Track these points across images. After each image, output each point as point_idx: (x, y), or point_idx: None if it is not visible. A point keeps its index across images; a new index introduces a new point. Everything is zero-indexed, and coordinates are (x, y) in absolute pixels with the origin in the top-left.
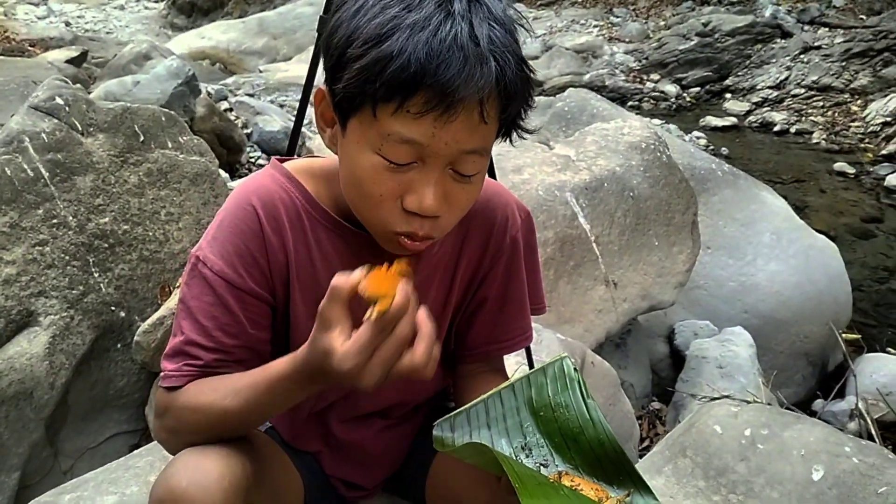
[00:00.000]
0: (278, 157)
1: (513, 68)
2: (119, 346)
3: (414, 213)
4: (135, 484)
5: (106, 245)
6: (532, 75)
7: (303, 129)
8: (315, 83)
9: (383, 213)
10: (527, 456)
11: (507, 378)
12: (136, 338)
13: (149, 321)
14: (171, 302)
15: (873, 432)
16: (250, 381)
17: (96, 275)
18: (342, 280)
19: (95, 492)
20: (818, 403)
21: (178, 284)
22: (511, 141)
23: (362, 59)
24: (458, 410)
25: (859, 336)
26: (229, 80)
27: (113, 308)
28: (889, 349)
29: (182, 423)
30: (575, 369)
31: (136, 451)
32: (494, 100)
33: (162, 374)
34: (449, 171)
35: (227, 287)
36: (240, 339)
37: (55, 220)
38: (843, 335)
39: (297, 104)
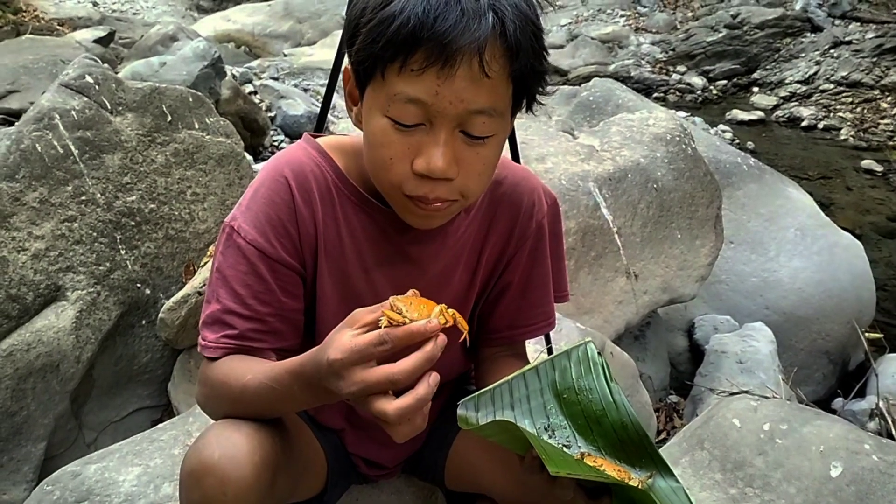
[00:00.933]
0: (310, 133)
1: (513, 21)
2: (144, 322)
3: (425, 175)
4: (159, 456)
5: (133, 223)
6: (542, 33)
7: (329, 115)
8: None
9: (395, 176)
10: (549, 437)
11: (528, 362)
12: (160, 315)
13: (173, 299)
14: (196, 281)
15: (893, 432)
16: (270, 367)
17: (123, 252)
18: (393, 297)
19: (120, 463)
20: (838, 402)
21: (203, 263)
22: (531, 108)
23: (370, 22)
24: (482, 390)
25: (882, 335)
26: (254, 64)
27: (139, 285)
28: None
29: (215, 393)
30: (599, 353)
31: (160, 425)
32: (497, 54)
33: (200, 341)
34: (459, 133)
35: (260, 256)
36: (273, 307)
37: (84, 197)
38: (866, 334)
39: (321, 88)
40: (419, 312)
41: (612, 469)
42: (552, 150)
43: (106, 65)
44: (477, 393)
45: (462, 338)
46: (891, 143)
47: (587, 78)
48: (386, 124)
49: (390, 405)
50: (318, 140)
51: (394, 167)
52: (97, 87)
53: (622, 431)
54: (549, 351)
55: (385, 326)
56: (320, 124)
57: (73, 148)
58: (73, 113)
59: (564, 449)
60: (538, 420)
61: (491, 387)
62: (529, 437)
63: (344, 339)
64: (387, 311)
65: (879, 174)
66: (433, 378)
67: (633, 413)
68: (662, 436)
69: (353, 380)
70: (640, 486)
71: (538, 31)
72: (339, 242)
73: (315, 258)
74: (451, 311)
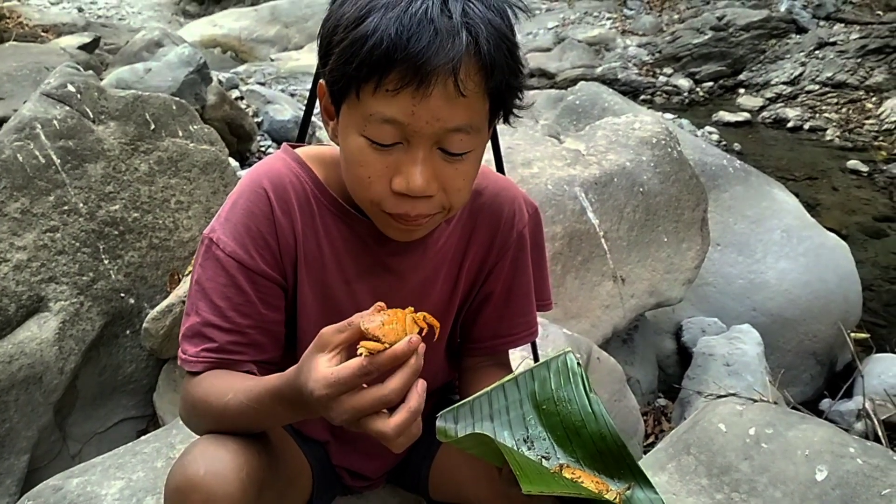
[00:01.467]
0: (289, 142)
1: (487, 39)
2: (128, 332)
3: (403, 194)
4: (141, 469)
5: (116, 232)
6: (517, 48)
7: (314, 118)
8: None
9: (374, 195)
10: (529, 448)
11: (511, 371)
12: (144, 325)
13: (158, 308)
14: (181, 290)
15: (880, 433)
16: (250, 387)
17: (106, 262)
18: (358, 315)
19: (103, 476)
20: (825, 403)
21: (187, 272)
22: (508, 121)
23: (343, 42)
24: (461, 402)
25: (868, 336)
26: (240, 69)
27: (122, 295)
28: None
29: (196, 411)
30: (578, 364)
31: (143, 438)
32: (473, 72)
33: (181, 354)
34: (437, 150)
35: (239, 268)
36: (253, 319)
37: (66, 207)
38: (853, 335)
39: (307, 93)
40: (394, 331)
41: (590, 481)
42: (538, 154)
43: (90, 72)
44: (456, 405)
45: (435, 336)
46: (876, 143)
47: (574, 81)
48: (363, 143)
49: (387, 425)
50: (297, 150)
51: (372, 186)
52: (79, 95)
53: (601, 442)
54: (536, 358)
55: (365, 355)
56: (302, 133)
57: (54, 157)
58: (55, 122)
59: (543, 460)
60: (517, 431)
61: (470, 398)
62: (504, 452)
63: (321, 369)
64: (364, 344)
65: (865, 174)
66: (421, 386)
67: (612, 424)
68: (651, 439)
69: (344, 408)
70: (617, 500)
71: (513, 46)
72: (319, 254)
73: (295, 269)
74: (420, 314)
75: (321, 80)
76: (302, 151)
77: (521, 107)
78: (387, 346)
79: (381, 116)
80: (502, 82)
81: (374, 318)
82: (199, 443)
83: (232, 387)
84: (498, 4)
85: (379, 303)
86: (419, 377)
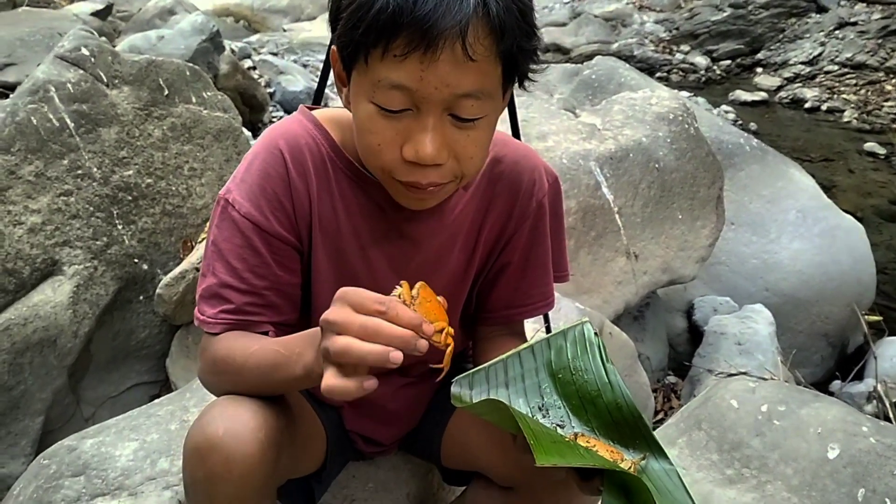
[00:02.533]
0: (306, 105)
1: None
2: (141, 298)
3: (414, 162)
4: (155, 431)
5: (129, 198)
6: (530, 10)
7: (327, 90)
8: None
9: (385, 162)
10: (543, 416)
11: (526, 341)
12: (157, 291)
13: (171, 275)
14: (193, 256)
15: (891, 415)
16: (273, 340)
17: (120, 227)
18: (421, 284)
19: (117, 437)
20: (836, 384)
21: (200, 239)
22: (523, 85)
23: (350, 7)
24: (476, 368)
25: (881, 318)
26: (253, 39)
27: (136, 260)
28: None
29: (217, 369)
30: (595, 334)
31: (157, 400)
32: (482, 34)
33: (198, 314)
34: (448, 116)
35: (255, 229)
36: (269, 281)
37: (80, 171)
38: (866, 317)
39: (320, 64)
40: (428, 313)
41: (604, 450)
42: (553, 128)
43: (103, 38)
44: (471, 371)
45: (439, 377)
46: (894, 125)
47: (590, 56)
48: (372, 110)
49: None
50: (314, 112)
51: (383, 154)
52: (93, 59)
53: (617, 412)
54: (548, 330)
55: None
56: (318, 98)
57: (68, 121)
58: (69, 85)
59: (558, 429)
60: (532, 399)
61: (486, 365)
62: (519, 420)
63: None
64: (405, 287)
65: (882, 157)
66: (395, 355)
67: (629, 394)
68: (660, 416)
69: (339, 311)
70: (632, 469)
71: (526, 7)
72: (334, 217)
73: (310, 232)
74: (451, 335)
75: (333, 47)
76: (319, 113)
77: (536, 70)
78: (414, 308)
79: (389, 82)
80: (514, 45)
81: (426, 291)
82: (218, 403)
83: (253, 344)
84: None
85: (422, 283)
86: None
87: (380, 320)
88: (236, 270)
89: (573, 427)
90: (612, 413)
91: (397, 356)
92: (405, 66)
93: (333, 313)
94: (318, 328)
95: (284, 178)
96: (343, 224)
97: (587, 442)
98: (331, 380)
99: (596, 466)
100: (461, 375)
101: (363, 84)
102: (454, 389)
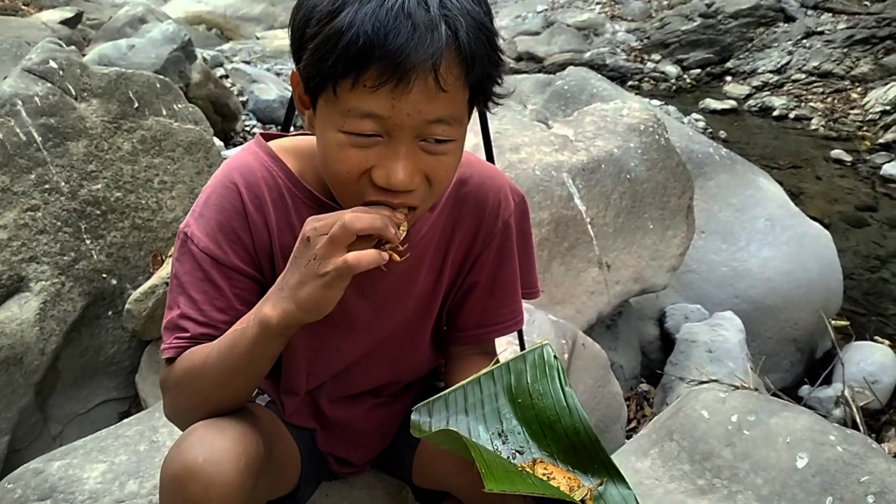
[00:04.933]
0: (263, 133)
1: (467, 31)
2: (110, 313)
3: (383, 187)
4: (124, 453)
5: (98, 212)
6: (496, 37)
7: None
8: None
9: (356, 190)
10: (503, 442)
11: (497, 360)
12: (127, 306)
13: (140, 290)
14: (163, 271)
15: (858, 420)
16: (228, 333)
17: (88, 241)
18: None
19: (85, 459)
20: (804, 389)
21: (170, 253)
22: (487, 107)
23: (317, 37)
24: (435, 396)
25: (848, 324)
26: (225, 47)
27: (104, 275)
28: (877, 338)
29: (178, 388)
30: (555, 357)
31: (125, 421)
32: (453, 65)
33: (162, 346)
34: (419, 143)
35: (213, 263)
36: (228, 315)
37: (47, 186)
38: (833, 323)
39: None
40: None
41: (562, 476)
42: (526, 139)
43: (72, 47)
44: (431, 399)
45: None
46: (860, 133)
47: (562, 66)
48: (342, 139)
49: (351, 256)
50: (271, 143)
51: (353, 182)
52: (61, 72)
53: (575, 437)
54: (522, 344)
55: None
56: (288, 119)
57: (36, 135)
58: (37, 99)
59: (518, 454)
60: (492, 425)
61: (444, 392)
62: (472, 449)
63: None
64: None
65: (848, 164)
66: (383, 253)
67: (587, 418)
68: (633, 424)
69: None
70: (588, 496)
71: (492, 35)
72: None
73: (272, 264)
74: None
75: (293, 70)
76: (275, 144)
77: (501, 94)
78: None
79: (360, 111)
80: (482, 73)
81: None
82: (197, 429)
83: (209, 346)
84: None
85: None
86: (401, 367)
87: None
88: (196, 302)
89: (532, 453)
90: (570, 437)
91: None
92: (376, 96)
93: (310, 225)
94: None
95: (241, 211)
96: None
97: (545, 468)
98: (352, 256)
99: (546, 496)
100: (420, 404)
101: (331, 114)
102: (414, 417)
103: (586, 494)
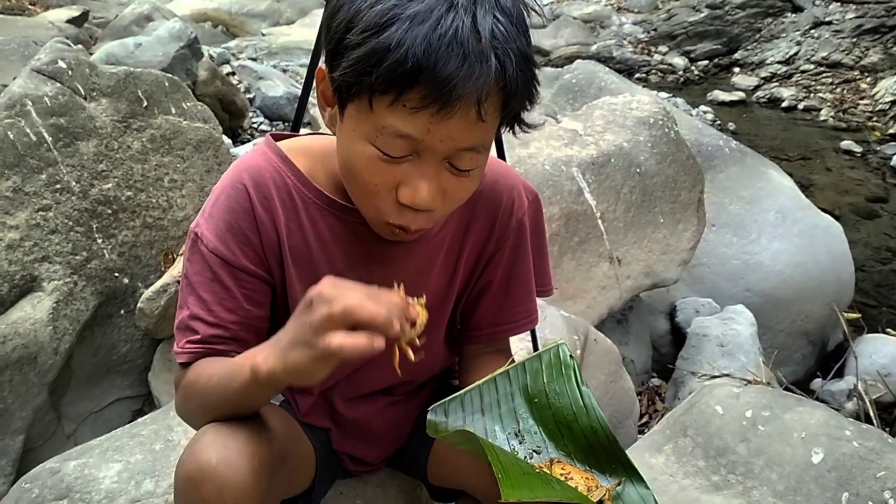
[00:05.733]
0: (273, 133)
1: (514, 65)
2: (122, 312)
3: (407, 205)
4: (139, 452)
5: (109, 211)
6: (537, 71)
7: (311, 98)
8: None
9: (377, 202)
10: (520, 442)
11: (511, 358)
12: (139, 305)
13: (152, 288)
14: (175, 269)
15: (871, 413)
16: (227, 361)
17: (100, 241)
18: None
19: (100, 459)
20: (816, 382)
21: (181, 252)
22: (514, 133)
23: (360, 47)
24: (452, 396)
25: (860, 316)
26: (231, 44)
27: (116, 274)
28: (889, 330)
29: (185, 397)
30: (571, 356)
31: (140, 420)
32: (494, 97)
33: (174, 346)
34: (445, 164)
35: (222, 264)
36: (237, 315)
37: (58, 186)
38: (845, 315)
39: (300, 69)
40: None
41: (580, 476)
42: (535, 134)
43: (80, 46)
44: (447, 399)
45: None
46: (870, 123)
47: (569, 59)
48: (372, 153)
49: (338, 338)
50: (280, 143)
51: (378, 196)
52: (70, 72)
53: (592, 436)
54: (535, 342)
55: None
56: (298, 118)
57: (46, 135)
58: (46, 99)
59: (535, 454)
60: (508, 425)
61: (461, 392)
62: (489, 454)
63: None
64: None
65: (858, 154)
66: (378, 343)
67: (604, 417)
68: (645, 419)
69: (323, 300)
70: (606, 497)
71: (534, 68)
72: (306, 248)
73: (281, 265)
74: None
75: (321, 66)
76: (285, 145)
77: (529, 125)
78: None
79: (396, 131)
80: (520, 106)
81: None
82: (209, 430)
83: (217, 365)
84: (520, 16)
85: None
86: (417, 365)
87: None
88: (206, 303)
89: (549, 453)
90: (587, 437)
91: (380, 344)
92: (416, 118)
93: (320, 288)
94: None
95: (250, 212)
96: (316, 253)
97: (563, 469)
98: (338, 338)
99: (564, 502)
100: (436, 404)
101: (364, 125)
102: (430, 418)
103: (605, 495)
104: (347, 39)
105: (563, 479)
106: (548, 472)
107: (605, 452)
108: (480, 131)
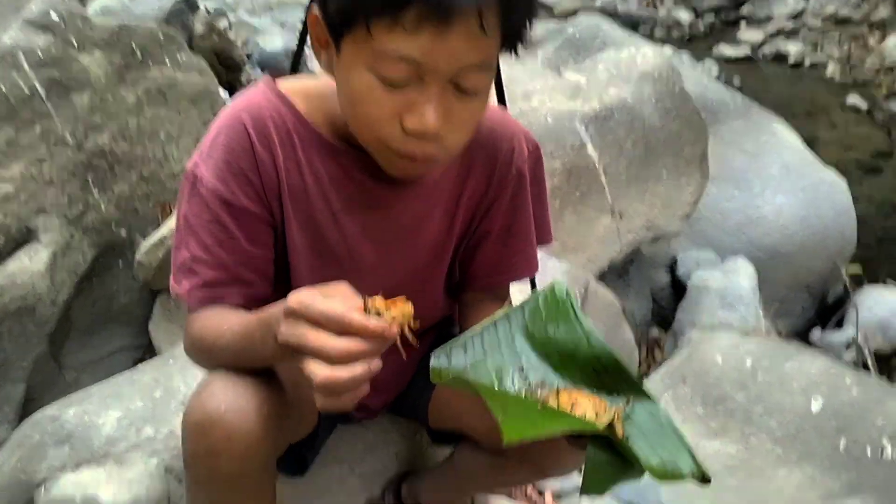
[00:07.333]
0: (272, 70)
1: None
2: (121, 263)
3: (414, 133)
4: (139, 399)
5: (105, 164)
6: None
7: (307, 49)
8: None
9: (383, 134)
10: (524, 378)
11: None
12: (137, 257)
13: (150, 240)
14: (172, 221)
15: (871, 364)
16: (242, 318)
17: (96, 193)
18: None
19: (100, 405)
20: (815, 333)
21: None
22: (517, 53)
23: None
24: (452, 340)
25: (862, 271)
26: None
27: (114, 227)
28: (888, 279)
29: (193, 347)
30: (567, 293)
31: (139, 366)
32: (494, 8)
33: (172, 283)
34: (450, 87)
35: (222, 205)
36: (238, 256)
37: (53, 138)
38: (847, 268)
39: (297, 23)
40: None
41: (587, 400)
42: (538, 87)
43: None
44: (448, 343)
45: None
46: (877, 79)
47: (573, 12)
48: (372, 81)
49: (322, 370)
50: (279, 83)
51: (382, 125)
52: (63, 24)
53: (596, 362)
54: (534, 290)
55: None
56: (295, 65)
57: (39, 87)
58: (39, 51)
59: (539, 389)
60: (512, 363)
61: (462, 337)
62: (486, 397)
63: (308, 290)
64: (374, 302)
65: (864, 111)
66: (375, 364)
67: (603, 341)
68: (644, 369)
69: (294, 331)
70: (615, 417)
71: None
72: (303, 188)
73: (281, 204)
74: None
75: (313, 8)
76: (284, 85)
77: (530, 41)
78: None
79: (397, 54)
80: (521, 19)
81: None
82: (218, 378)
83: (223, 324)
84: None
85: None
86: (416, 312)
87: (324, 338)
88: (206, 245)
89: (555, 384)
90: (591, 362)
91: (377, 365)
92: (415, 38)
93: (294, 333)
94: (275, 307)
95: (249, 151)
96: (312, 193)
97: (569, 396)
98: (322, 370)
99: (567, 433)
100: (438, 349)
101: (362, 54)
102: (433, 363)
103: (613, 416)
104: None
105: (570, 406)
106: (554, 402)
107: (609, 375)
108: (483, 47)
